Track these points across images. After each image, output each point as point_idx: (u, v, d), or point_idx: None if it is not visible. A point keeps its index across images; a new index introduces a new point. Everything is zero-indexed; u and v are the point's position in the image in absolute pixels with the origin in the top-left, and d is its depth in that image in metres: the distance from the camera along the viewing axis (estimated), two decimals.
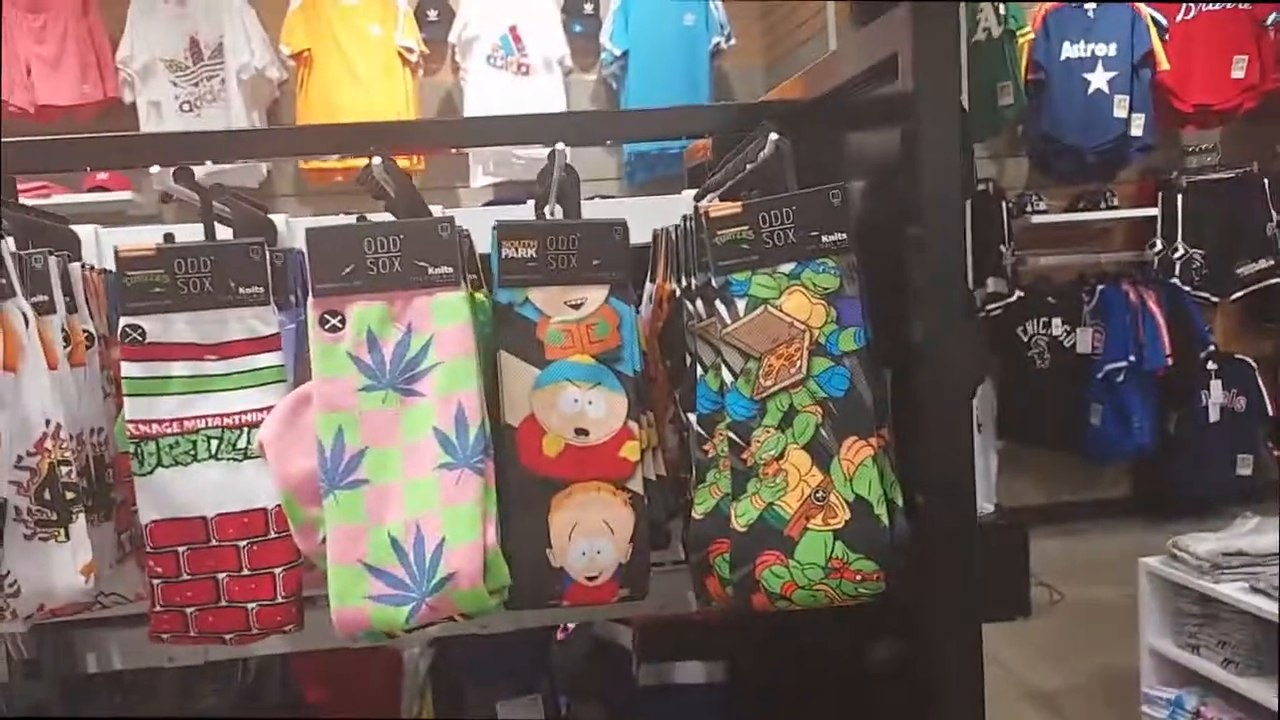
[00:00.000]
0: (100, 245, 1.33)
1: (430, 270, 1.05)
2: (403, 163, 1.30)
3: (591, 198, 1.65)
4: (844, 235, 1.09)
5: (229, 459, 1.13)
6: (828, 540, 1.05)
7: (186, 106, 4.16)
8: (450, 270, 1.06)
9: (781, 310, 1.07)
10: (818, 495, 1.06)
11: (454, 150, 3.87)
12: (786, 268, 1.08)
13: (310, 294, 1.05)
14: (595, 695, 1.75)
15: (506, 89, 4.31)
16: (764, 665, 1.62)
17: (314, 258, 1.05)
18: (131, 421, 1.11)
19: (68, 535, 1.06)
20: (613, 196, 3.85)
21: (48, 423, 1.05)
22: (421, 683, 1.73)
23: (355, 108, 4.17)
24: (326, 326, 1.05)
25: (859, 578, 1.06)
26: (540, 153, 1.21)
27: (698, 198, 1.35)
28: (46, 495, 1.04)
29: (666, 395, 1.26)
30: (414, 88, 4.36)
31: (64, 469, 1.06)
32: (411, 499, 1.03)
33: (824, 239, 1.08)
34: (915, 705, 1.13)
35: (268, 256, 1.14)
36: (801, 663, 1.50)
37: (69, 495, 1.06)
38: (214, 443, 1.13)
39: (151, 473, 1.12)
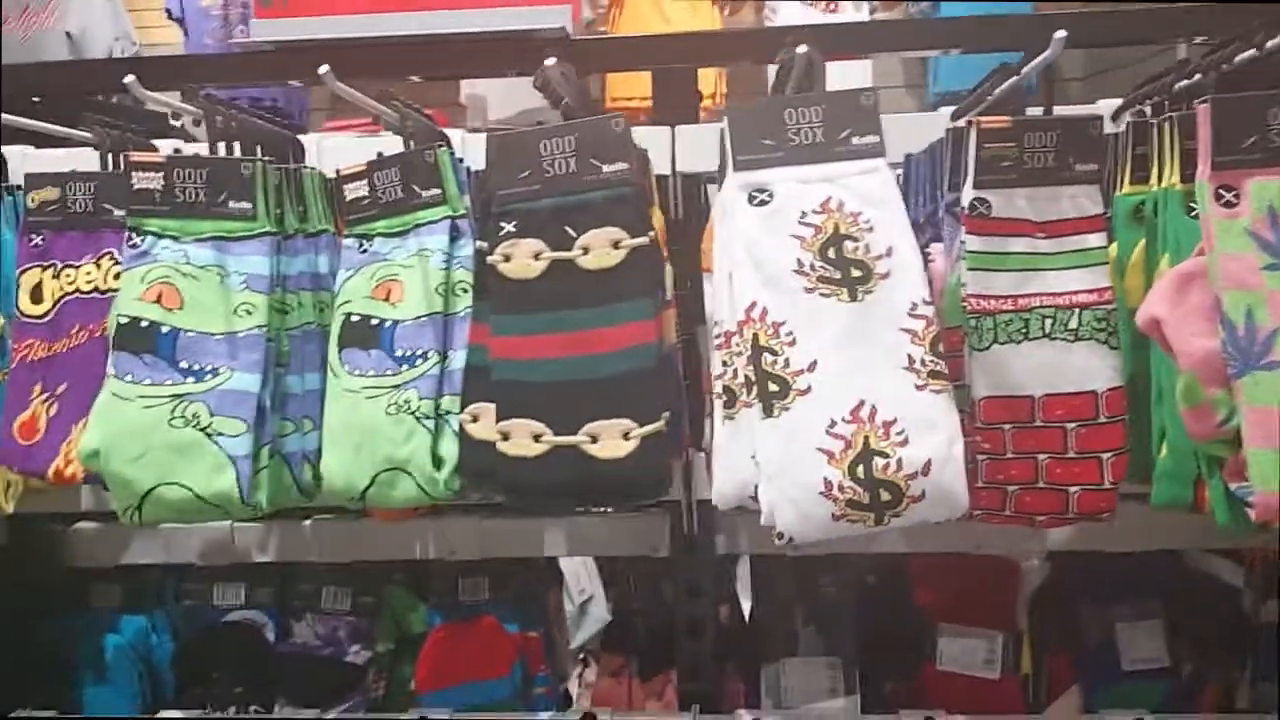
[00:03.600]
0: None
1: None
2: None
3: None
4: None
5: (1061, 339, 1.11)
6: None
7: None
8: None
9: None
10: None
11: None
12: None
13: (1210, 167, 1.01)
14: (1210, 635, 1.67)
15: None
16: None
17: None
18: (972, 296, 1.11)
19: None
20: None
21: None
22: (1037, 595, 1.69)
23: None
24: (1222, 201, 1.00)
25: None
26: None
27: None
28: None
29: None
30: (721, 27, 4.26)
31: None
32: None
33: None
34: None
35: None
36: None
37: None
38: (1047, 322, 1.11)
39: (988, 349, 1.11)
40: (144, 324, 1.17)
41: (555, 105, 1.16)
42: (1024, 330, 1.10)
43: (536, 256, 1.05)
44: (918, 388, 0.95)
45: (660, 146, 1.37)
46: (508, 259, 1.06)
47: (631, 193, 1.05)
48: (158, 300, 1.18)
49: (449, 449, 1.15)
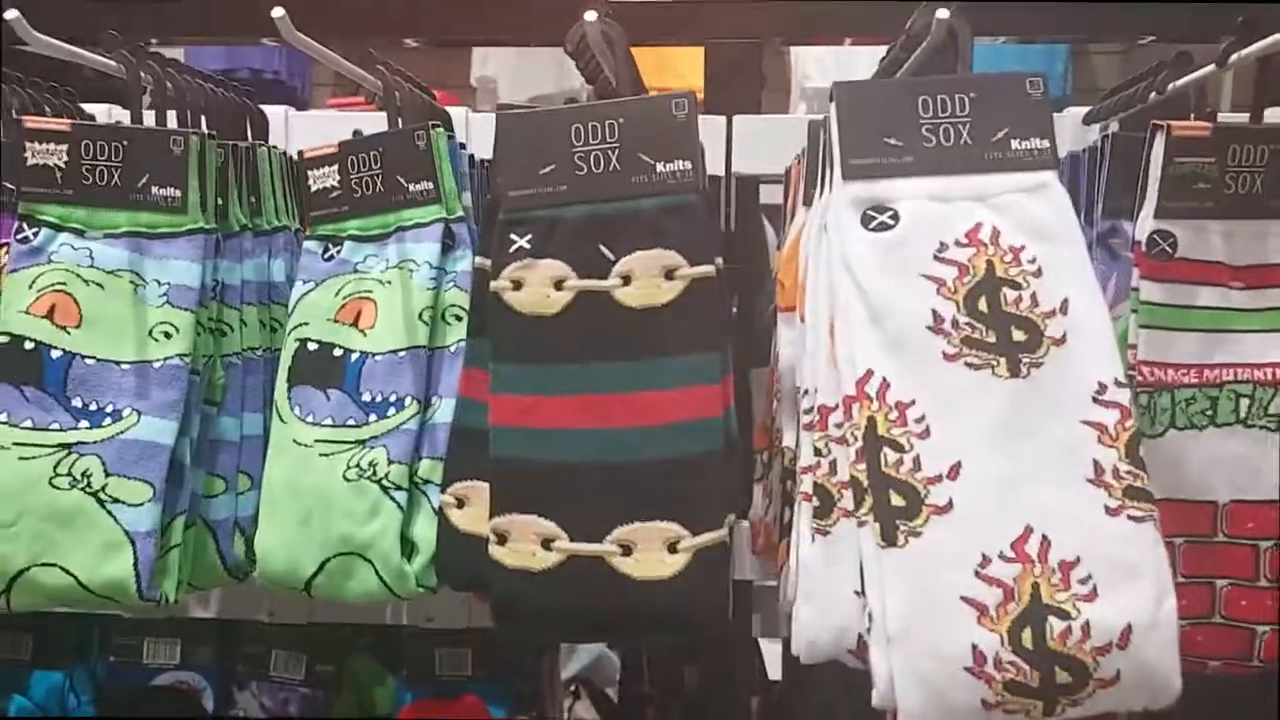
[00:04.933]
0: None
1: None
2: None
3: None
4: None
5: (1258, 426, 0.83)
6: None
7: None
8: None
9: None
10: None
11: None
12: None
13: None
14: None
15: None
16: None
17: None
18: (1146, 363, 0.82)
19: None
20: None
21: None
22: None
23: None
24: None
25: None
26: None
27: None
28: None
29: None
30: None
31: None
32: None
33: None
34: None
35: None
36: None
37: None
38: (1242, 402, 0.82)
39: (1161, 435, 0.82)
40: (28, 345, 0.88)
41: (591, 80, 0.87)
42: (1210, 412, 0.82)
43: (559, 285, 0.76)
44: (1110, 511, 0.65)
45: (713, 141, 1.08)
46: (518, 286, 0.77)
47: (696, 202, 0.76)
48: (49, 314, 0.89)
49: (425, 532, 0.87)
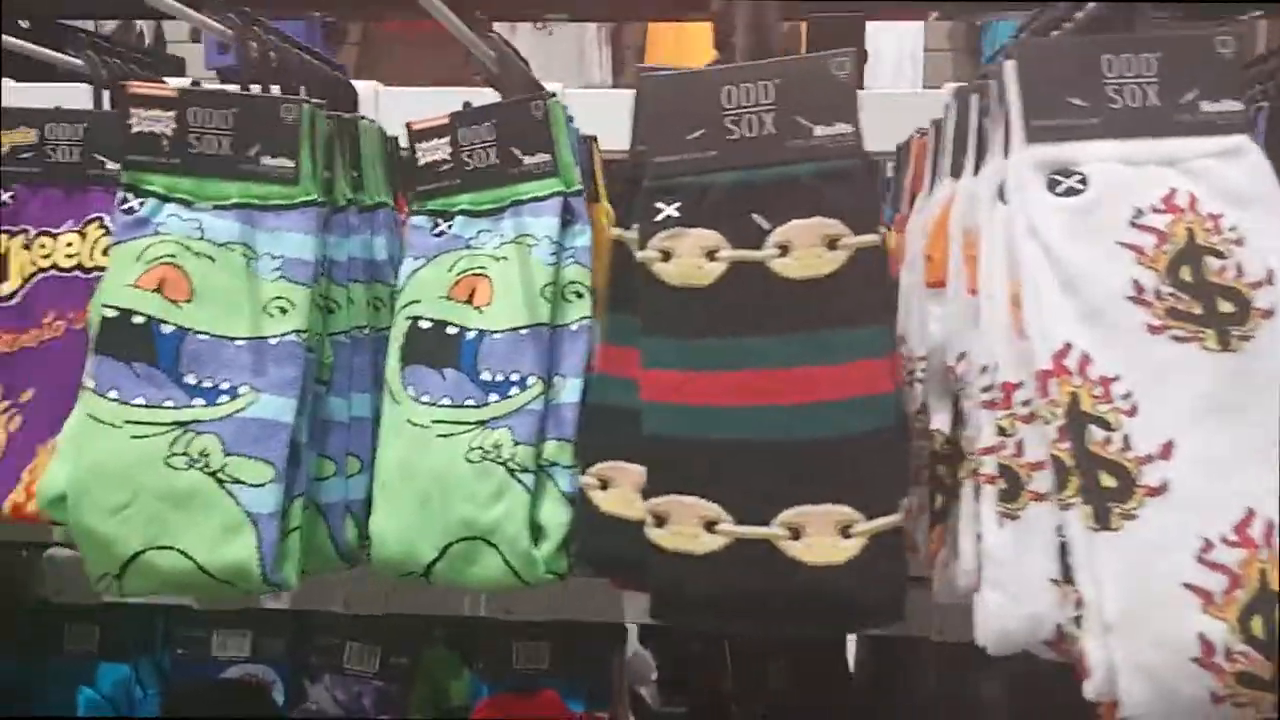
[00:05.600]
0: None
1: None
2: None
3: None
4: None
5: None
6: None
7: None
8: None
9: None
10: None
11: None
12: None
13: None
14: None
15: None
16: None
17: None
18: None
19: None
20: None
21: None
22: None
23: None
24: None
25: None
26: None
27: None
28: None
29: None
30: None
31: None
32: None
33: None
34: None
35: None
36: None
37: None
38: None
39: None
40: (137, 320, 0.84)
41: (720, 45, 0.83)
42: None
43: (711, 255, 0.72)
44: None
45: None
46: (667, 257, 0.73)
47: (857, 168, 0.72)
48: (158, 288, 0.85)
49: (553, 516, 0.83)
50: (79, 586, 1.41)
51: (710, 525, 0.69)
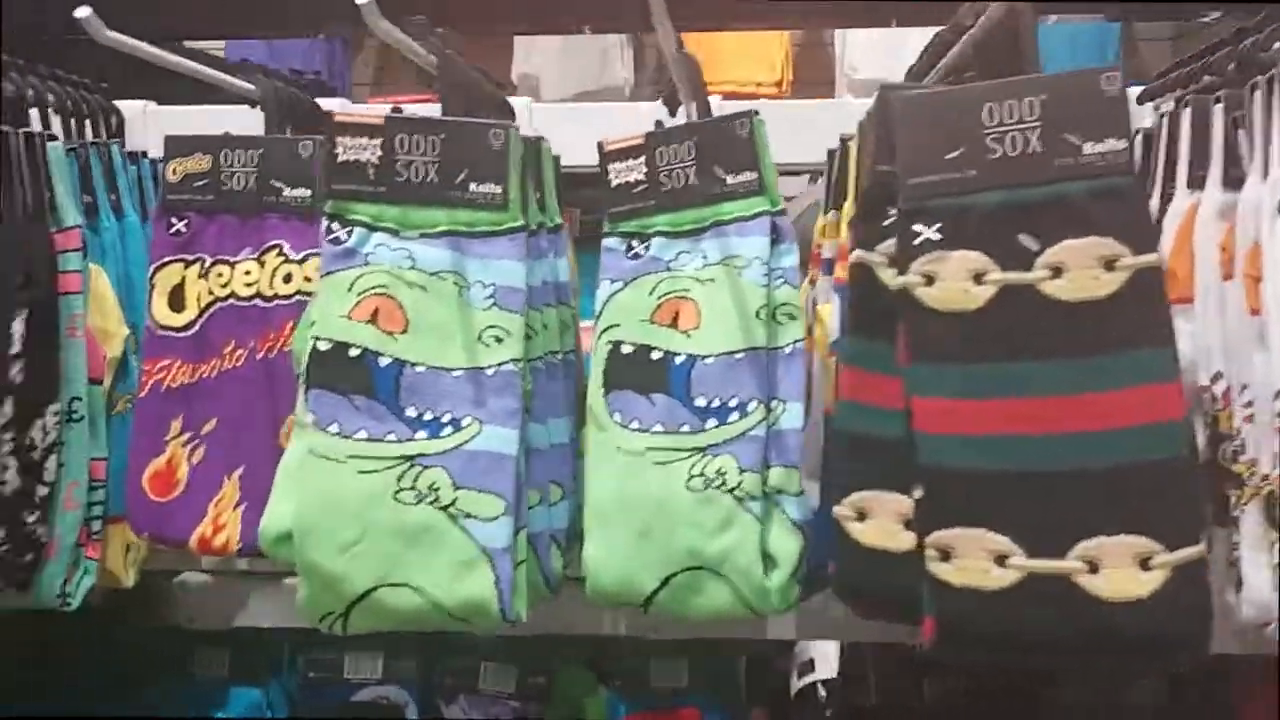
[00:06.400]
0: None
1: None
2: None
3: None
4: None
5: None
6: None
7: None
8: None
9: None
10: None
11: None
12: None
13: None
14: None
15: None
16: None
17: None
18: None
19: None
20: None
21: None
22: None
23: None
24: None
25: None
26: None
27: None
28: None
29: None
30: None
31: None
32: None
33: None
34: None
35: None
36: None
37: None
38: None
39: None
40: (353, 352, 0.83)
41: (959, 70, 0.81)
42: None
43: (978, 278, 0.70)
44: None
45: None
46: (930, 281, 0.71)
47: (1130, 185, 0.70)
48: (372, 319, 0.84)
49: (783, 545, 0.82)
50: (211, 611, 1.41)
51: (1001, 559, 0.67)
